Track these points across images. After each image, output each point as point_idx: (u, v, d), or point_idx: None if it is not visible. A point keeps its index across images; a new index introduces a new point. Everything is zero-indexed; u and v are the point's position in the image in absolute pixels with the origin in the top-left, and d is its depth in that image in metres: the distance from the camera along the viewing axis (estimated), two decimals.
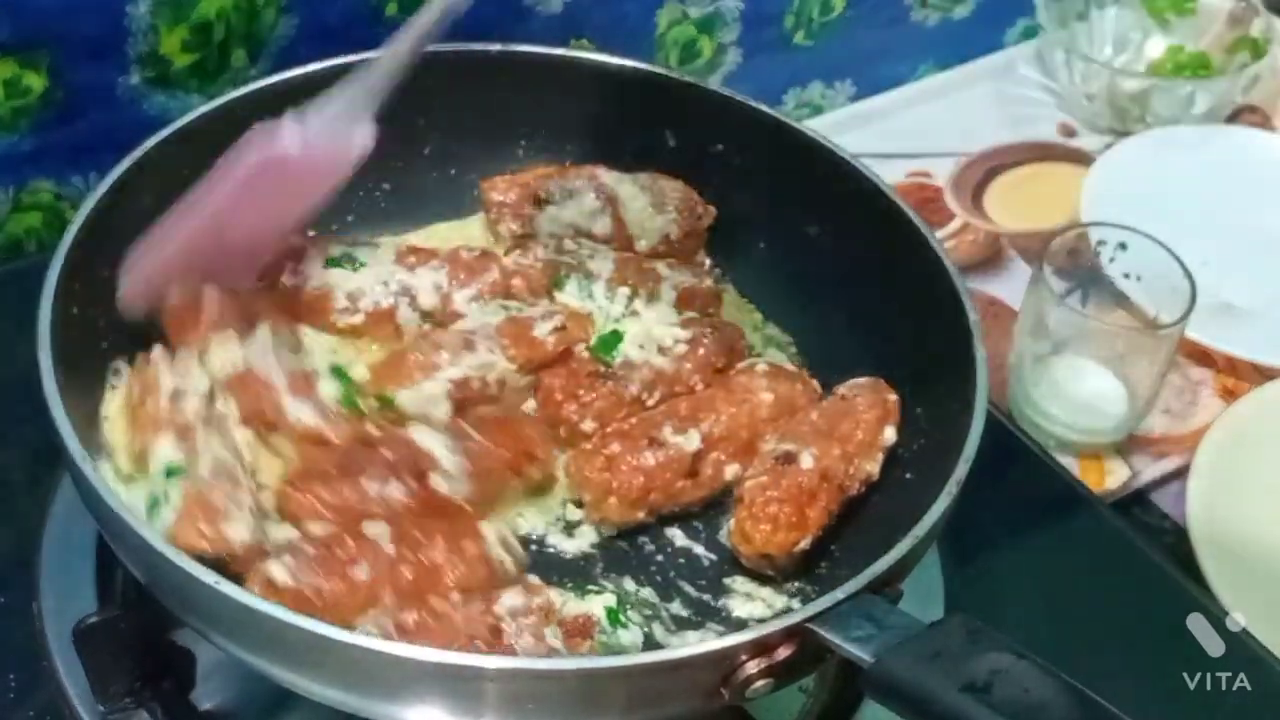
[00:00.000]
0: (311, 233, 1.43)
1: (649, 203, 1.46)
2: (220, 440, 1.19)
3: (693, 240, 1.49)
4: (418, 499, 1.19)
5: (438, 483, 1.21)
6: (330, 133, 1.22)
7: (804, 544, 1.23)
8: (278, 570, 1.09)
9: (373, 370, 1.31)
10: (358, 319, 1.36)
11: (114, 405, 1.23)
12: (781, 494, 1.23)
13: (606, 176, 1.48)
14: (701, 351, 1.36)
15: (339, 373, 1.29)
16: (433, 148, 1.52)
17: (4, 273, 1.60)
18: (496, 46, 1.49)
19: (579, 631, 1.16)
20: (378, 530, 1.15)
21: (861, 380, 1.35)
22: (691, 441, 1.28)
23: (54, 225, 1.62)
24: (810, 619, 1.02)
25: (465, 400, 1.29)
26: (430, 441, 1.22)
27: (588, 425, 1.31)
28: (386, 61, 1.23)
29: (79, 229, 1.23)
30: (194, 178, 1.36)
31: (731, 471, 1.29)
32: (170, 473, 1.14)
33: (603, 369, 1.34)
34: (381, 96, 1.23)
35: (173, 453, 1.15)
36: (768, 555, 1.23)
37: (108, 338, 1.28)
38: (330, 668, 1.01)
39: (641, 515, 1.27)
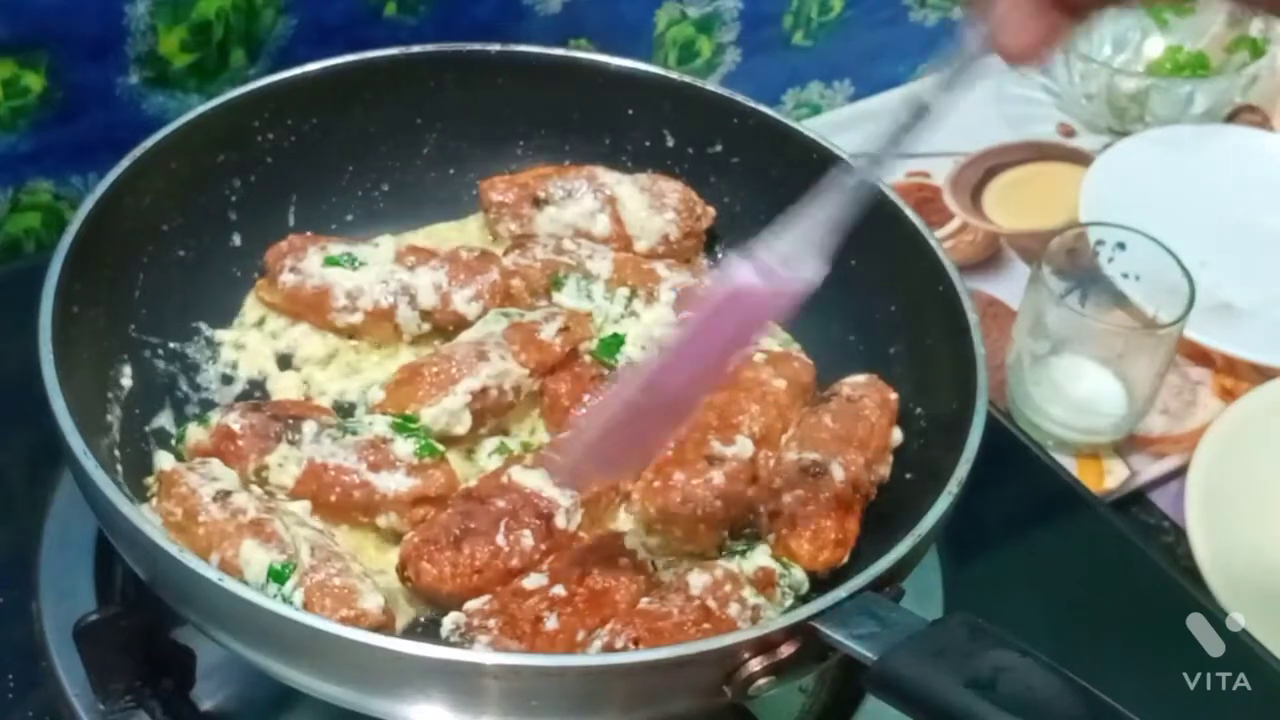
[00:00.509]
0: (309, 232, 1.44)
1: (648, 203, 1.46)
2: (296, 520, 1.18)
3: (692, 241, 1.49)
4: (552, 543, 1.19)
5: (560, 520, 1.20)
6: (783, 265, 1.03)
7: (845, 560, 1.22)
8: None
9: (389, 391, 1.29)
10: (356, 318, 1.36)
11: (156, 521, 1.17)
12: (823, 509, 1.22)
13: (606, 176, 1.48)
14: None
15: (403, 427, 1.25)
16: (431, 148, 1.52)
17: (4, 273, 1.60)
18: (496, 46, 1.49)
19: (766, 582, 1.19)
20: (536, 579, 1.16)
21: (860, 378, 1.35)
22: (745, 448, 1.27)
23: (53, 225, 1.62)
24: (813, 617, 1.02)
25: (484, 410, 1.29)
26: (534, 480, 1.22)
27: None
28: (848, 195, 1.03)
29: (79, 229, 1.23)
30: (193, 177, 1.37)
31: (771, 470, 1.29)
32: (279, 578, 1.11)
33: (607, 372, 1.34)
34: (838, 235, 1.04)
35: (265, 555, 1.12)
36: (811, 571, 1.22)
37: (108, 337, 1.28)
38: (331, 664, 1.01)
39: (726, 534, 1.26)
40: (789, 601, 1.20)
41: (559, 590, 1.15)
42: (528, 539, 1.18)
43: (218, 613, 1.04)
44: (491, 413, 1.30)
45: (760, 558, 1.20)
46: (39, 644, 1.23)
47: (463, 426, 1.28)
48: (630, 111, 1.51)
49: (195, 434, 1.26)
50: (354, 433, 1.25)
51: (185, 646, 1.20)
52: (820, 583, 1.22)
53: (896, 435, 1.32)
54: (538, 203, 1.46)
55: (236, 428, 1.24)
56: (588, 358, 1.36)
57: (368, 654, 0.98)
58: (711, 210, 1.49)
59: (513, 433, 1.34)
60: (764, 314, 1.08)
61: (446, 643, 1.12)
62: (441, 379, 1.28)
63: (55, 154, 1.59)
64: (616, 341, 1.36)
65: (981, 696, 0.92)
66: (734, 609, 1.15)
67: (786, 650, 1.02)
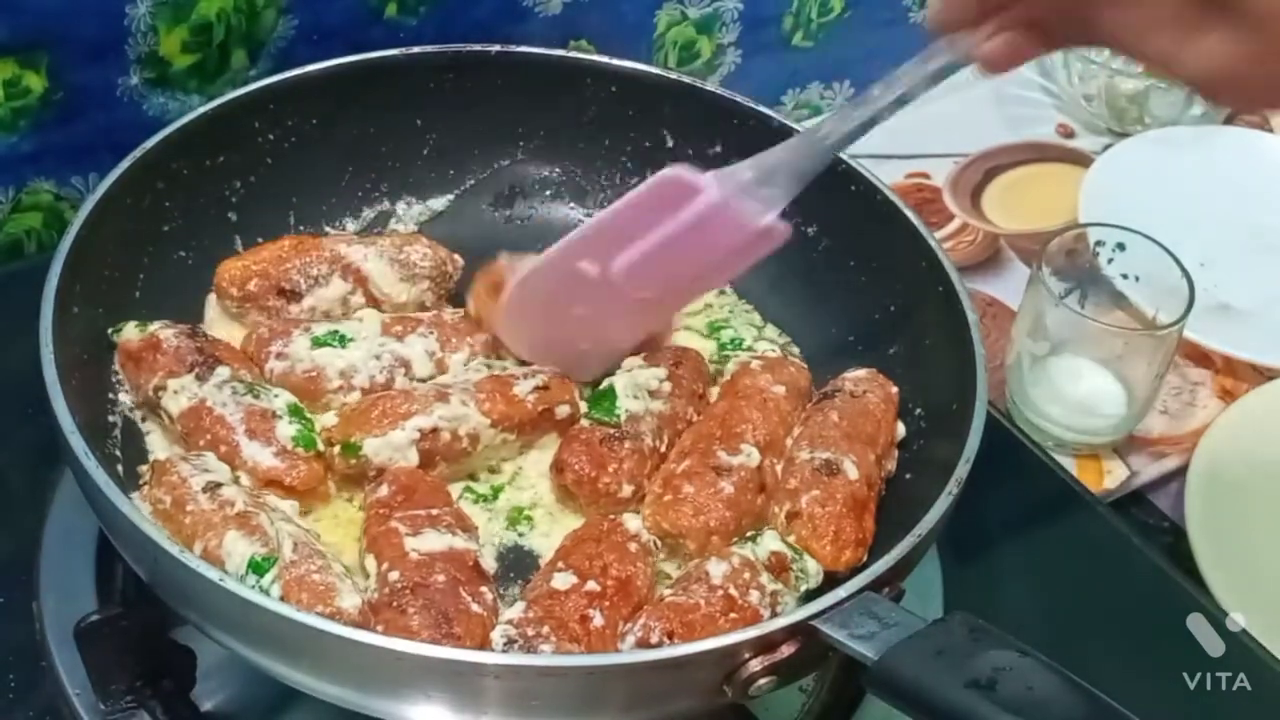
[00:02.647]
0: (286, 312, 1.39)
1: (399, 276, 1.40)
2: (282, 516, 1.17)
3: (444, 293, 1.44)
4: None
5: None
6: (744, 197, 1.19)
7: (864, 559, 1.22)
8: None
9: (342, 416, 1.27)
10: (354, 397, 1.31)
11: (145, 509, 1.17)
12: (841, 509, 1.22)
13: (350, 252, 1.40)
14: (685, 382, 1.34)
15: (296, 411, 1.26)
16: (431, 148, 1.53)
17: (4, 273, 1.60)
18: (496, 47, 1.49)
19: (780, 567, 1.19)
20: (564, 579, 1.16)
21: (860, 372, 1.36)
22: (753, 457, 1.27)
23: (54, 225, 1.62)
24: (813, 617, 1.02)
25: (433, 451, 1.26)
26: None
27: (626, 490, 1.26)
28: (831, 137, 1.19)
29: (79, 229, 1.23)
30: (194, 179, 1.37)
31: (781, 471, 1.28)
32: (259, 570, 1.10)
33: (613, 430, 1.29)
34: (805, 183, 1.19)
35: (248, 547, 1.12)
36: (830, 573, 1.22)
37: (108, 337, 1.28)
38: (332, 664, 1.01)
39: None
40: (804, 587, 1.20)
41: (593, 585, 1.15)
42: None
43: (218, 613, 1.04)
44: (442, 456, 1.27)
45: (771, 542, 1.21)
46: (39, 644, 1.23)
47: (406, 463, 1.25)
48: (630, 112, 1.51)
49: (130, 332, 1.27)
50: (255, 396, 1.25)
51: (185, 646, 1.20)
52: (826, 576, 1.23)
53: (900, 429, 1.32)
54: (284, 294, 1.38)
55: (165, 342, 1.26)
56: (585, 421, 1.31)
57: (368, 654, 0.98)
58: (459, 259, 1.44)
59: (480, 479, 1.31)
60: (713, 238, 1.21)
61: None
62: (394, 413, 1.26)
63: (56, 154, 1.59)
64: (609, 396, 1.31)
65: (981, 696, 0.92)
66: (754, 596, 1.15)
67: (786, 650, 1.02)
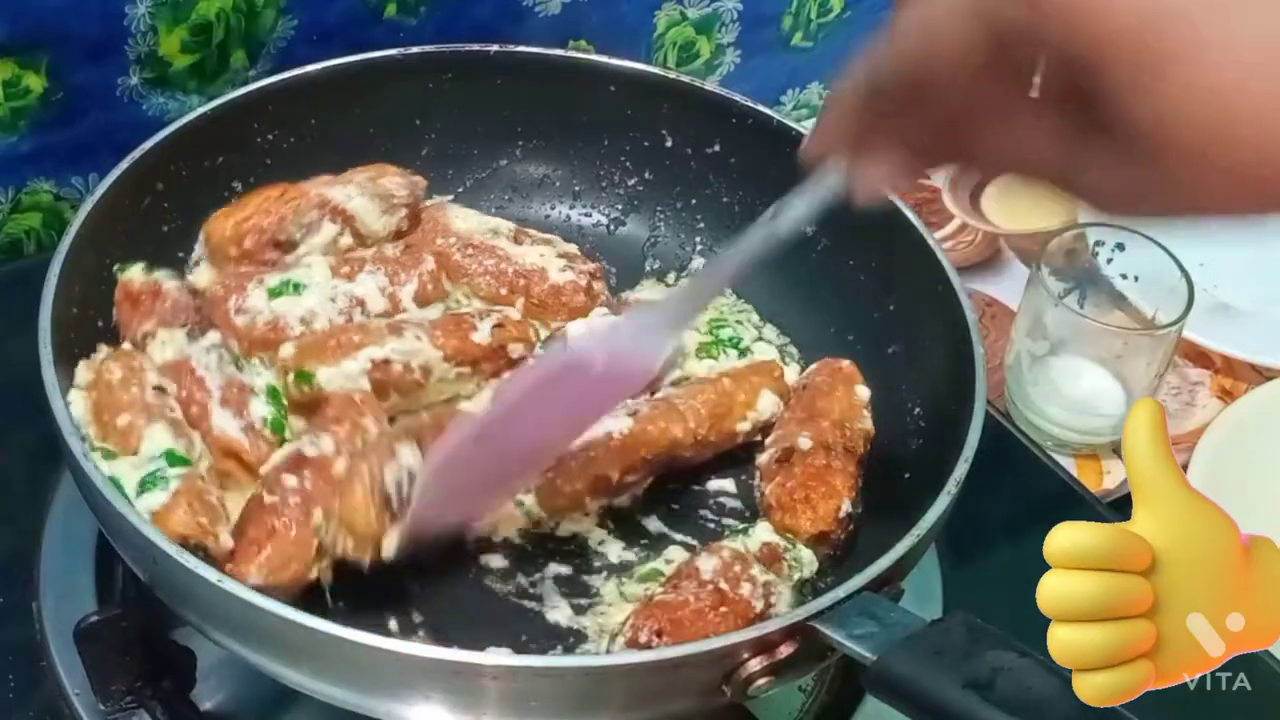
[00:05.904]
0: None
1: (379, 209, 1.41)
2: (210, 453, 1.20)
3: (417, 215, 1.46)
4: None
5: None
6: (636, 346, 1.16)
7: (845, 507, 1.25)
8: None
9: (299, 348, 1.28)
10: None
11: (83, 378, 1.20)
12: (800, 480, 1.25)
13: (334, 193, 1.40)
14: None
15: (274, 395, 1.26)
16: (431, 148, 1.53)
17: (4, 273, 1.60)
18: (495, 47, 1.49)
19: (773, 558, 1.20)
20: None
21: (813, 366, 1.39)
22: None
23: (54, 225, 1.62)
24: (811, 617, 1.02)
25: (386, 383, 1.27)
26: None
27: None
28: (707, 282, 1.20)
29: (79, 229, 1.23)
30: (194, 179, 1.37)
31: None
32: (172, 461, 1.13)
33: None
34: (695, 318, 1.23)
35: (172, 441, 1.15)
36: (822, 534, 1.24)
37: (107, 338, 1.28)
38: (331, 664, 1.01)
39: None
40: (798, 576, 1.21)
41: None
42: None
43: (216, 613, 1.04)
44: (395, 388, 1.28)
45: (763, 534, 1.22)
46: (39, 644, 1.24)
47: (359, 390, 1.26)
48: (629, 112, 1.51)
49: (134, 273, 1.28)
50: (239, 369, 1.26)
51: (185, 647, 1.20)
52: (824, 570, 1.24)
53: (862, 392, 1.34)
54: (279, 246, 1.37)
55: (166, 292, 1.28)
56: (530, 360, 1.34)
57: (367, 655, 0.98)
58: (420, 180, 1.46)
59: None
60: (607, 395, 1.18)
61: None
62: (348, 344, 1.27)
63: (56, 154, 1.59)
64: None
65: (980, 697, 0.92)
66: (746, 588, 1.16)
67: (786, 650, 1.02)
